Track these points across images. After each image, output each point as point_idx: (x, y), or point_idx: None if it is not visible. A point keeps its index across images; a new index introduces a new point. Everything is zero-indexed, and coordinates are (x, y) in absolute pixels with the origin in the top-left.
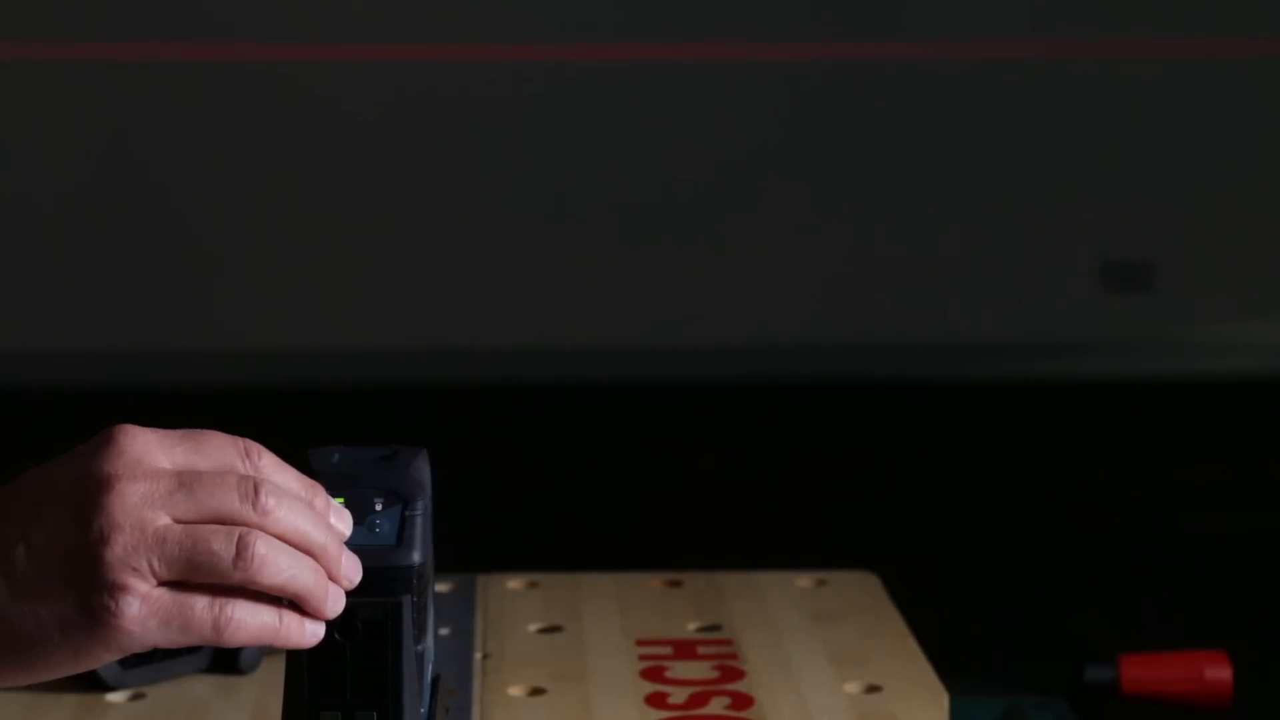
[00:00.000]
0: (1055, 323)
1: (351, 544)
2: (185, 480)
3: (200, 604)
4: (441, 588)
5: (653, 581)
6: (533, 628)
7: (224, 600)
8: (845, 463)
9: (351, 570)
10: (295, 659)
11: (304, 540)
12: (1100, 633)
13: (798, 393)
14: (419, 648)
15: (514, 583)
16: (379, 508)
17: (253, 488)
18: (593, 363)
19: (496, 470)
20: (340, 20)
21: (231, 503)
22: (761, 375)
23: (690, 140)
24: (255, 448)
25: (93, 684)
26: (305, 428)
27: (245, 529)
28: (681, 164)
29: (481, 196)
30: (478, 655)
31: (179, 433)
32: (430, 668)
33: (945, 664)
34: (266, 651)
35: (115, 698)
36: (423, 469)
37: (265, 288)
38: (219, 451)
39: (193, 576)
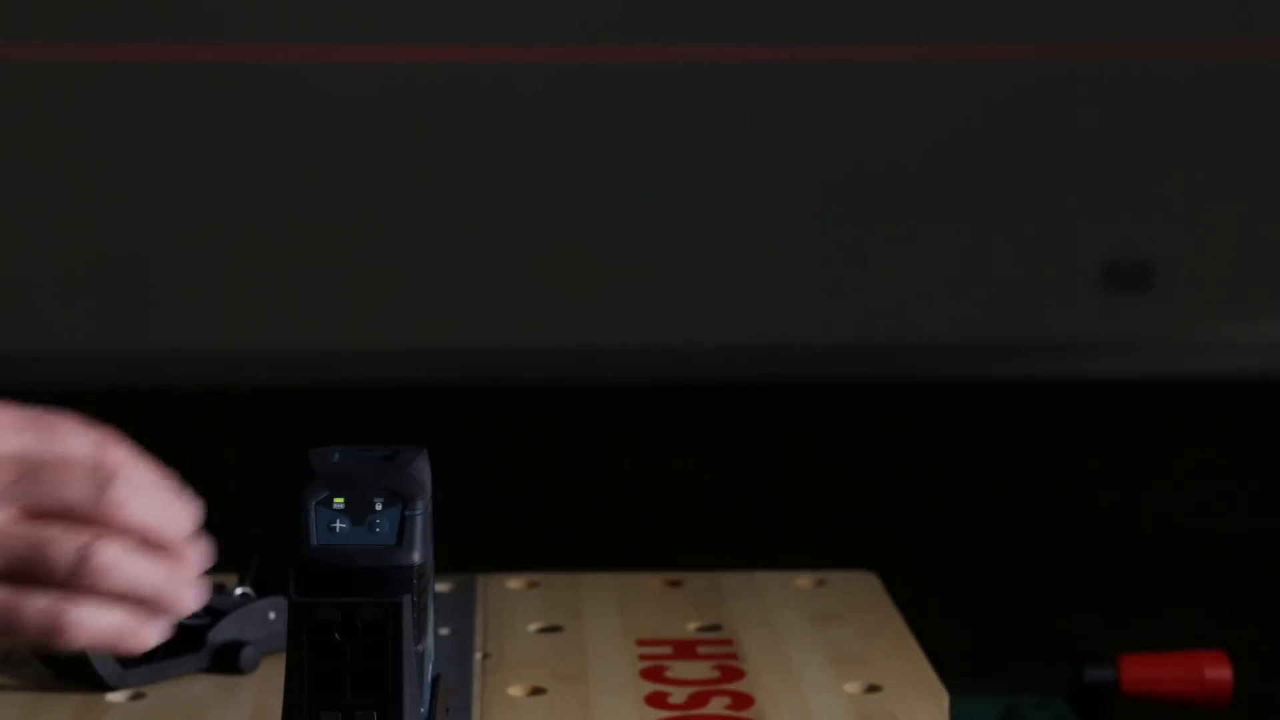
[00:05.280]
0: (1055, 323)
1: (351, 544)
2: (29, 469)
3: (34, 607)
4: (441, 588)
5: (653, 581)
6: (533, 628)
7: (62, 603)
8: (845, 463)
9: (197, 564)
10: (295, 659)
11: (155, 534)
12: (1100, 633)
13: (798, 393)
14: (419, 648)
15: (514, 583)
16: (379, 508)
17: (104, 478)
18: (593, 363)
19: (496, 470)
20: (341, 21)
21: (78, 492)
22: (762, 375)
23: (691, 142)
24: (112, 440)
25: (93, 684)
26: (305, 428)
27: (91, 534)
28: (683, 165)
29: (481, 198)
30: (478, 655)
31: (28, 416)
32: (430, 668)
33: (945, 664)
34: (266, 651)
35: (115, 698)
36: (423, 469)
37: (266, 288)
38: (68, 440)
39: (33, 577)
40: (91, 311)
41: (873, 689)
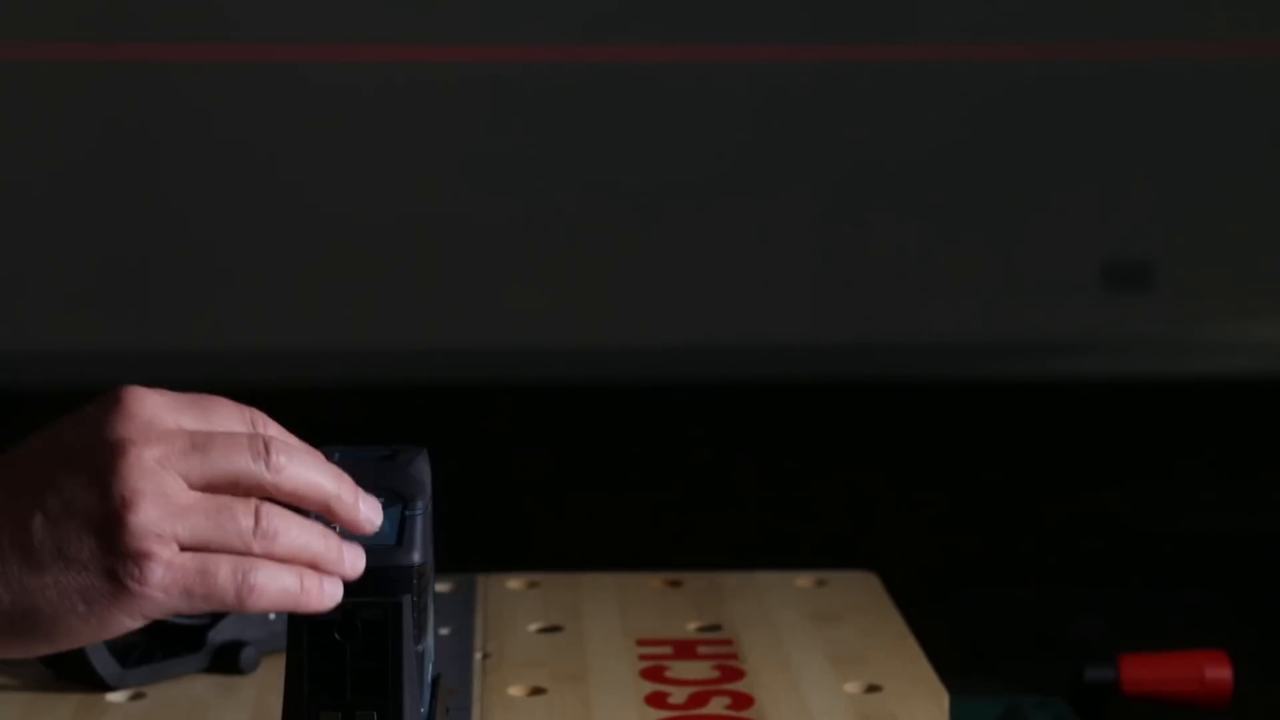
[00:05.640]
0: (1055, 323)
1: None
2: (198, 442)
3: (223, 571)
4: (441, 588)
5: (653, 581)
6: (533, 628)
7: (246, 567)
8: (845, 463)
9: (370, 513)
10: (295, 659)
11: (319, 492)
12: (1100, 633)
13: (798, 392)
14: (419, 648)
15: (514, 583)
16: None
17: (263, 446)
18: (593, 363)
19: (496, 470)
20: (341, 21)
21: (244, 462)
22: (761, 375)
23: (690, 142)
24: (261, 415)
25: (93, 684)
26: (305, 428)
27: (260, 501)
28: (683, 165)
29: (482, 198)
30: (478, 655)
31: (185, 397)
32: (430, 668)
33: (945, 664)
34: (266, 651)
35: (115, 698)
36: (423, 469)
37: (266, 288)
38: (226, 418)
39: (214, 545)
40: (91, 311)
41: (873, 689)
